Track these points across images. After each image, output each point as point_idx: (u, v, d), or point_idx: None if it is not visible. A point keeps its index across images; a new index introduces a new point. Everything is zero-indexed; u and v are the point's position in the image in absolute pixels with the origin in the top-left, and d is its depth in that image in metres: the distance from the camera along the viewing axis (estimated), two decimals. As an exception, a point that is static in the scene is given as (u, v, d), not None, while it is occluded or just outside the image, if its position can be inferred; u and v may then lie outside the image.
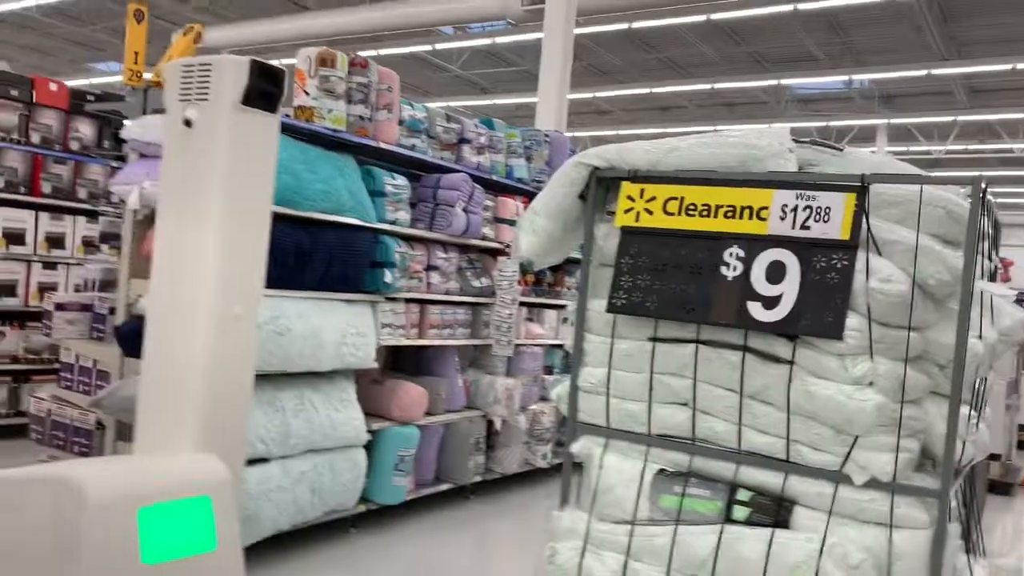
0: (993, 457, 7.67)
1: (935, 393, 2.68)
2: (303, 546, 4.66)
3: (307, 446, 4.49)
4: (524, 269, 6.26)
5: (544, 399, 6.67)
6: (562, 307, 6.93)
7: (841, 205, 2.66)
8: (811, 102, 18.41)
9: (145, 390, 2.59)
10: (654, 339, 2.94)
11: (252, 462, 4.20)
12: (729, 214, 2.82)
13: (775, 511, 2.73)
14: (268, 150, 2.79)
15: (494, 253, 6.12)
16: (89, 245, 6.58)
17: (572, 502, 3.19)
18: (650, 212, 2.95)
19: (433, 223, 5.47)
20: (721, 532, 2.74)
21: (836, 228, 2.65)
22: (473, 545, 5.26)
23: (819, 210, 2.69)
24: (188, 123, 2.60)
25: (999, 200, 27.55)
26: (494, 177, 6.06)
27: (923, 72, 14.32)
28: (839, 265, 2.63)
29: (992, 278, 3.40)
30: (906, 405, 2.59)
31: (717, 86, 16.43)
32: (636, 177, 3.02)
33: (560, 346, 6.97)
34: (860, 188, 2.65)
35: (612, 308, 2.98)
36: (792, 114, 18.46)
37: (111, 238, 4.83)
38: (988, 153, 20.53)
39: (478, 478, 5.97)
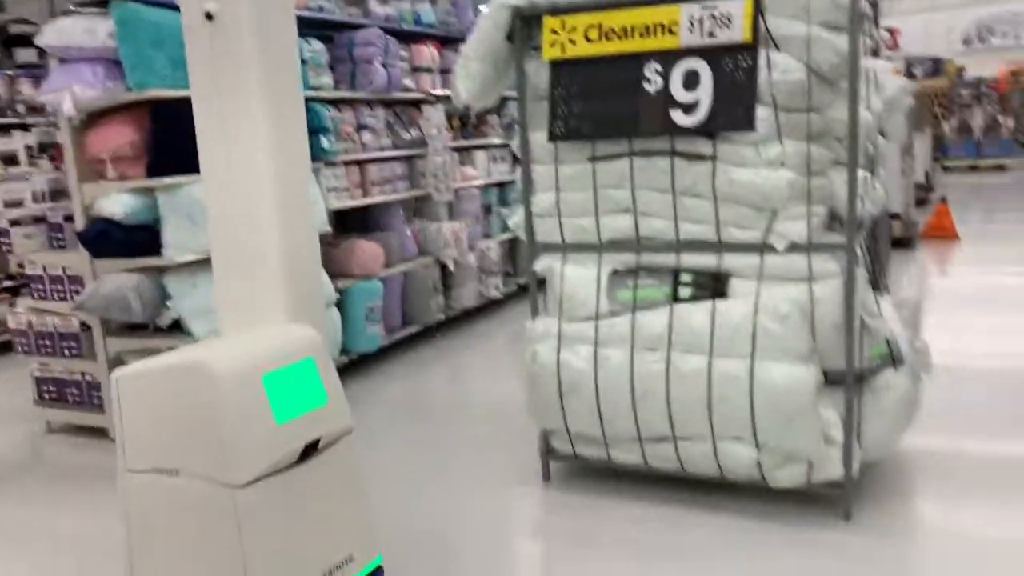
0: (894, 216, 8.45)
1: (837, 163, 3.13)
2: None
3: (284, 312, 4.81)
4: (452, 114, 6.47)
5: (487, 236, 7.07)
6: (491, 147, 7.20)
7: (740, 11, 2.98)
8: None
9: (223, 280, 2.69)
10: (593, 159, 3.30)
11: (239, 335, 4.54)
12: (644, 33, 3.12)
13: (714, 285, 3.21)
14: (290, 30, 2.72)
15: (417, 104, 6.29)
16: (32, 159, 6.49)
17: (542, 312, 3.63)
18: (573, 42, 3.23)
19: (355, 83, 5.60)
20: (672, 311, 3.23)
21: (738, 32, 2.99)
22: (448, 374, 5.77)
23: (721, 17, 3.01)
24: (209, 16, 2.51)
25: (884, -29, 27.94)
26: (403, 26, 6.13)
27: None
28: (744, 65, 2.99)
29: (875, 53, 3.82)
30: (813, 177, 3.04)
31: None
32: (556, 10, 3.27)
33: (495, 184, 7.30)
34: (755, -8, 2.97)
35: (552, 137, 3.31)
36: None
37: (48, 148, 4.86)
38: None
39: (441, 316, 6.43)
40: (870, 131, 3.19)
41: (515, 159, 7.64)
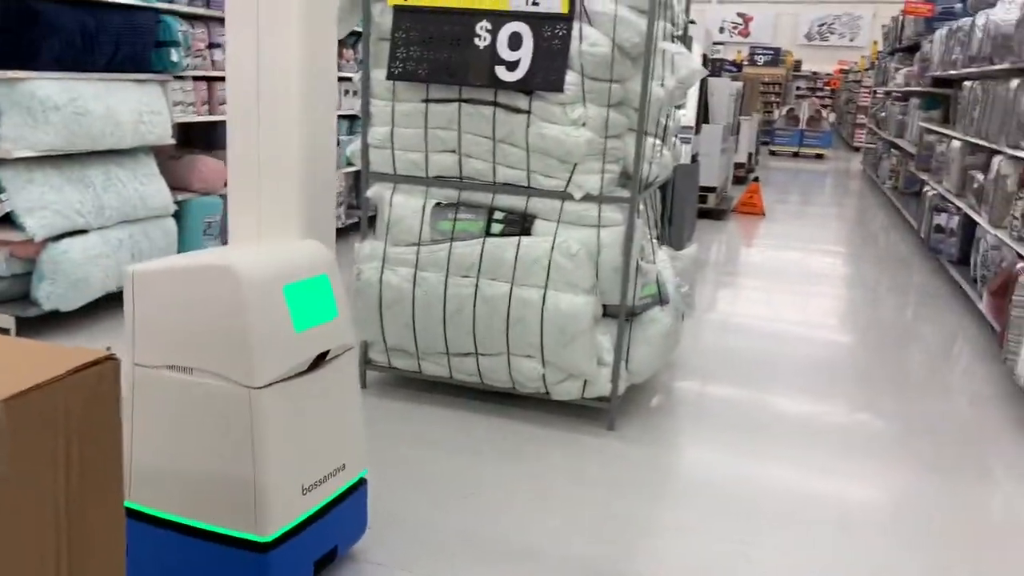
0: (710, 189, 9.32)
1: (631, 129, 3.66)
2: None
3: (120, 217, 4.94)
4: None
5: (333, 165, 7.29)
6: (344, 79, 7.39)
7: (562, -15, 3.42)
8: None
9: (238, 191, 2.63)
10: (427, 100, 3.68)
11: (73, 234, 4.65)
12: (479, -6, 3.51)
13: (521, 224, 3.70)
14: None
15: (272, 28, 6.39)
16: None
17: (369, 235, 4.00)
18: (416, -7, 3.58)
19: (211, 1, 5.67)
20: (484, 243, 3.69)
21: (557, 4, 3.43)
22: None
23: (546, -11, 3.45)
24: None
25: (742, -42, 29.39)
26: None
27: None
28: (560, 33, 3.44)
29: (683, 38, 4.38)
30: (609, 139, 3.56)
31: None
32: (402, -38, 3.59)
33: (346, 116, 7.51)
34: (576, -29, 3.42)
35: (391, 76, 3.66)
36: None
37: None
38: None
39: (280, 239, 6.64)
40: (662, 104, 3.74)
41: (367, 95, 7.87)
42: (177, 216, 5.42)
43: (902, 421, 4.14)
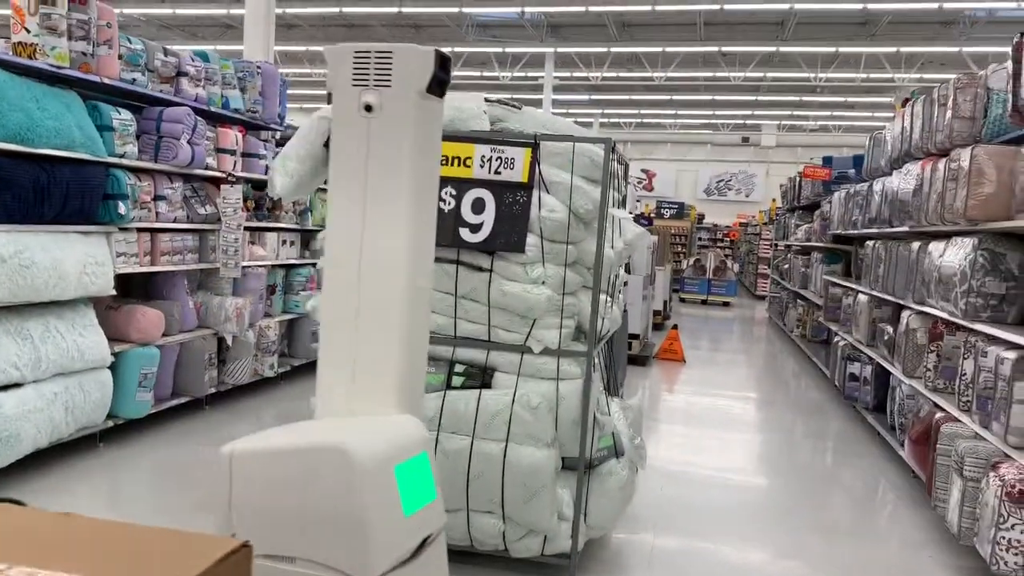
0: (634, 336, 9.65)
1: (585, 287, 3.86)
2: (60, 461, 4.99)
3: (57, 369, 4.79)
4: (247, 196, 6.75)
5: (268, 315, 7.29)
6: (283, 230, 7.51)
7: (521, 156, 3.69)
8: (489, 27, 19.86)
9: (332, 361, 2.57)
10: (389, 258, 3.81)
11: (7, 387, 4.48)
12: (444, 161, 3.73)
13: (481, 377, 3.79)
14: (438, 135, 2.80)
15: (216, 182, 6.52)
16: None
17: (326, 389, 4.00)
18: (382, 159, 3.77)
19: (159, 155, 5.78)
20: (444, 395, 3.74)
21: (519, 173, 3.68)
22: (212, 447, 5.85)
23: (507, 160, 3.70)
24: (369, 108, 2.63)
25: (644, 120, 31.55)
26: (212, 108, 6.41)
27: (582, 8, 16.26)
28: (521, 200, 3.67)
29: (623, 204, 4.70)
30: (566, 296, 3.74)
31: (404, 9, 17.19)
32: (370, 130, 3.80)
33: (282, 266, 7.57)
34: (534, 144, 3.69)
35: (356, 235, 3.79)
36: (473, 39, 19.80)
37: None
38: (635, 81, 23.53)
39: (212, 390, 6.52)
40: (612, 264, 3.97)
41: (304, 243, 7.98)
42: (112, 368, 5.29)
43: (842, 567, 4.25)
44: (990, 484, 3.92)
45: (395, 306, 2.57)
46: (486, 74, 22.83)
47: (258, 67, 7.12)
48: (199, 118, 6.03)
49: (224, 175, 6.43)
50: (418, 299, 2.66)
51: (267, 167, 7.16)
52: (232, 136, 6.56)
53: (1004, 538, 3.73)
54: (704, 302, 19.67)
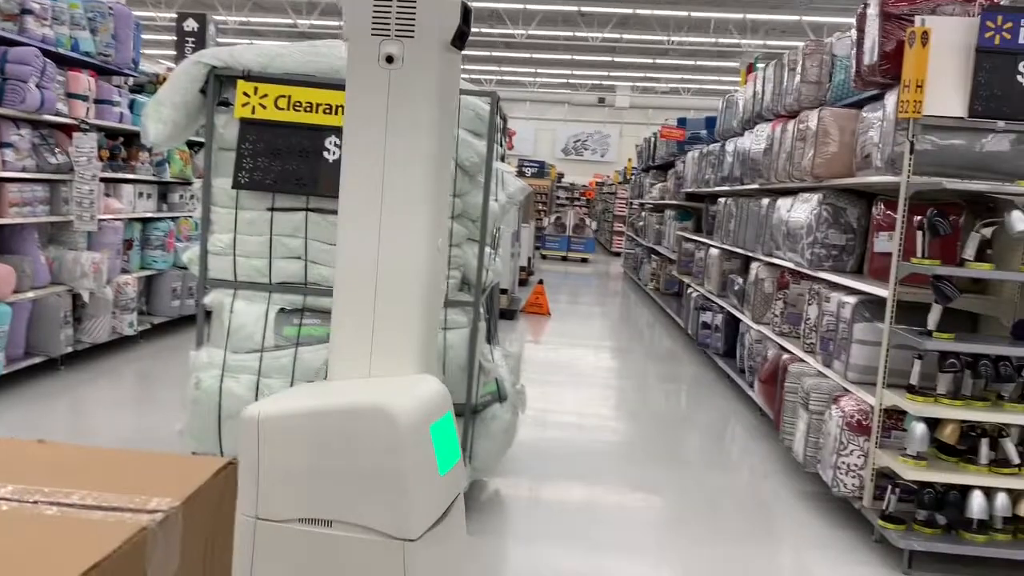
0: (502, 291, 9.85)
1: (470, 239, 3.96)
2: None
3: None
4: (101, 145, 6.38)
5: (126, 271, 6.96)
6: (139, 182, 7.15)
7: (408, 108, 3.71)
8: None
9: (349, 323, 2.44)
10: (272, 209, 3.77)
11: None
12: (327, 111, 3.71)
13: (368, 328, 3.82)
14: (457, 87, 2.67)
15: (68, 129, 6.13)
16: None
17: (205, 343, 3.93)
18: (264, 107, 3.70)
19: (4, 99, 5.37)
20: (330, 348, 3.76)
21: (405, 124, 3.70)
22: (67, 410, 5.60)
23: (392, 110, 3.71)
24: (390, 59, 2.48)
25: (504, 78, 31.69)
26: (61, 51, 6.00)
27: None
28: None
29: (503, 158, 4.81)
30: (452, 247, 3.82)
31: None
32: (250, 76, 3.72)
33: (139, 219, 7.23)
34: (420, 96, 3.72)
35: (237, 185, 3.71)
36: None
37: None
38: (496, 37, 23.55)
39: (69, 349, 6.19)
40: (496, 217, 4.08)
41: (162, 196, 7.64)
42: (-42, 326, 4.94)
43: (698, 496, 4.63)
44: (832, 416, 4.36)
45: (416, 266, 2.49)
46: (343, 24, 22.20)
47: (110, 8, 6.70)
48: (49, 60, 5.63)
49: (76, 122, 6.05)
50: (437, 258, 2.60)
51: (122, 114, 6.79)
52: (84, 81, 6.17)
53: (844, 463, 4.17)
54: (564, 258, 20.21)
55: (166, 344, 7.38)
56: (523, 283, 12.84)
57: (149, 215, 7.41)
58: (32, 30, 5.69)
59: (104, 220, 6.53)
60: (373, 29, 2.54)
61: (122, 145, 6.95)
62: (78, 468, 0.92)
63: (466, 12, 2.59)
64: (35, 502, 0.82)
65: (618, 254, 21.63)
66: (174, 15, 14.53)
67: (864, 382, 4.27)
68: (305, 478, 2.05)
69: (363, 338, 2.45)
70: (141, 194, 7.27)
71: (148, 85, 7.85)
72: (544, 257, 20.25)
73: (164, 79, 7.96)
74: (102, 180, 6.47)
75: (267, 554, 2.05)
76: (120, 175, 6.89)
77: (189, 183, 8.02)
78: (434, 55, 2.53)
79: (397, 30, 2.53)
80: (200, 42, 13.69)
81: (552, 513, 4.22)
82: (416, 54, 2.51)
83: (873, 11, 4.34)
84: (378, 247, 2.51)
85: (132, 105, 7.03)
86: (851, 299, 4.47)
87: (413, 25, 2.52)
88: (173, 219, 7.79)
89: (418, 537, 2.01)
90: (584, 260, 20.33)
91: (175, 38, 13.95)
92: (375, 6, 2.54)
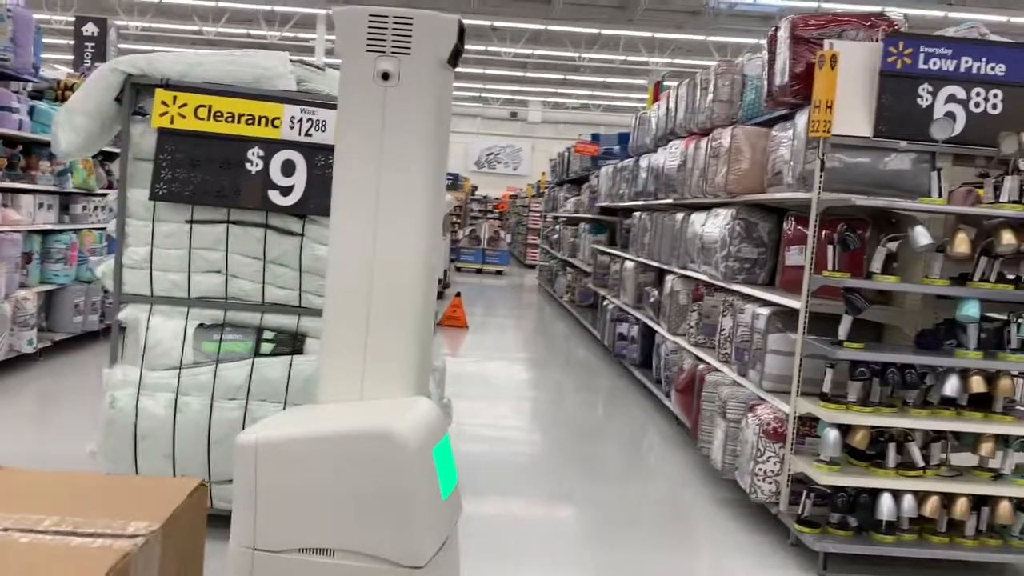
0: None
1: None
2: None
3: None
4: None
5: (24, 286, 6.62)
6: (40, 192, 6.82)
7: (333, 119, 3.66)
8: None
9: (341, 344, 2.32)
10: (192, 221, 3.66)
11: None
12: (250, 121, 3.63)
13: (292, 343, 3.75)
14: (450, 105, 2.66)
15: (-40, 135, 5.81)
16: None
17: (119, 360, 3.78)
18: (183, 116, 3.60)
19: None
20: (253, 363, 3.67)
21: (331, 136, 3.65)
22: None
23: (318, 122, 3.67)
24: (386, 76, 2.46)
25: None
26: (-47, 53, 5.69)
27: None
28: (333, 164, 3.65)
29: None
30: (378, 261, 3.79)
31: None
32: (168, 85, 3.61)
33: (39, 231, 6.89)
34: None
35: (155, 196, 3.59)
36: (239, -5, 18.77)
37: None
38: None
39: (-39, 369, 5.84)
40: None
41: (64, 208, 7.32)
42: None
43: (616, 507, 4.70)
44: (749, 424, 4.49)
45: (410, 286, 2.44)
46: (252, 32, 21.77)
47: (8, 10, 6.38)
48: (-60, 63, 5.33)
49: (-29, 128, 5.74)
50: (431, 277, 2.55)
51: (21, 121, 6.48)
52: (-20, 85, 5.85)
53: (761, 469, 4.30)
54: (479, 271, 20.24)
55: (68, 362, 7.05)
56: (439, 295, 12.80)
57: (50, 227, 7.07)
58: (-77, 31, 5.37)
59: (1, 232, 6.20)
60: (368, 45, 2.53)
61: (21, 154, 6.62)
62: (43, 493, 0.87)
63: (461, 31, 2.60)
64: (5, 530, 0.78)
65: (533, 266, 21.80)
66: (72, 18, 13.97)
67: (779, 391, 4.42)
68: (306, 506, 1.98)
69: (355, 360, 2.38)
70: (41, 205, 6.93)
71: (48, 91, 7.51)
72: (459, 270, 20.24)
73: (65, 85, 7.64)
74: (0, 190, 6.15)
75: None
76: (19, 184, 6.56)
77: (93, 194, 7.70)
78: (431, 72, 2.53)
79: (393, 47, 2.53)
80: (100, 47, 13.21)
81: (471, 526, 4.21)
82: (413, 71, 2.51)
83: (784, 34, 4.53)
84: (372, 265, 2.46)
85: (32, 112, 6.71)
86: (765, 310, 4.63)
87: (410, 42, 2.52)
88: (76, 231, 7.45)
89: (425, 564, 1.97)
90: (499, 272, 20.40)
91: (73, 42, 13.43)
92: (371, 23, 2.53)
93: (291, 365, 3.67)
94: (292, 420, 2.20)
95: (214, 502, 3.73)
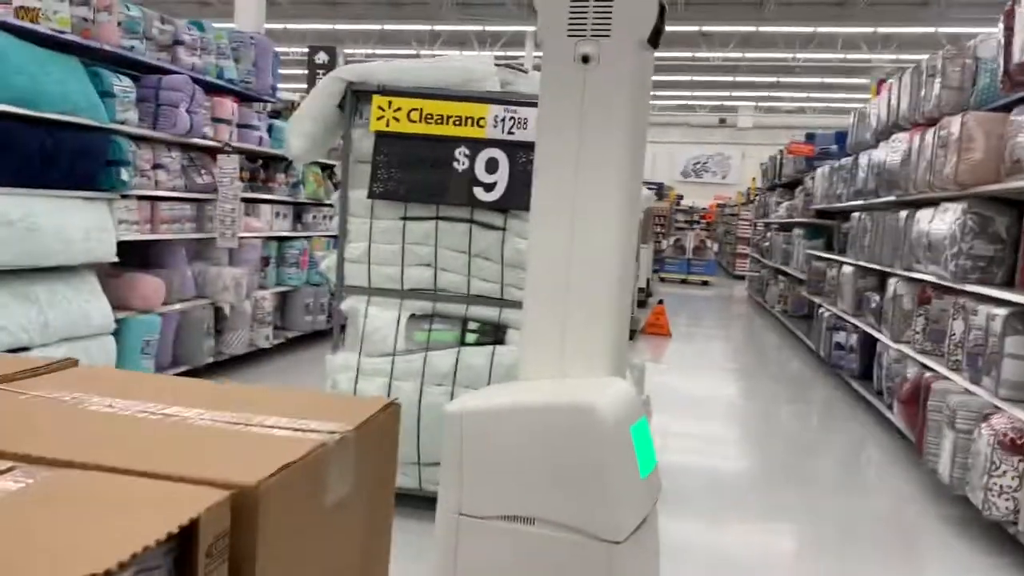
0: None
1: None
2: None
3: (63, 334, 4.81)
4: (243, 167, 6.76)
5: (263, 287, 7.32)
6: (276, 202, 7.53)
7: (534, 117, 3.75)
8: (469, 5, 19.81)
9: (541, 324, 2.42)
10: (405, 218, 3.88)
11: (15, 351, 4.49)
12: (457, 122, 3.80)
13: (495, 334, 3.87)
14: (650, 86, 2.67)
15: (212, 151, 6.53)
16: None
17: (340, 347, 4.07)
18: (397, 119, 3.84)
19: (157, 123, 5.78)
20: (459, 352, 3.83)
21: (532, 133, 3.74)
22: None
23: (520, 120, 3.77)
24: (586, 59, 2.47)
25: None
26: (207, 78, 6.41)
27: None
28: (533, 160, 3.74)
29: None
30: (578, 254, 3.83)
31: (385, -13, 17.11)
32: (384, 91, 3.86)
33: (275, 238, 7.60)
34: (547, 104, 3.76)
35: (372, 195, 3.85)
36: (453, 16, 19.75)
37: None
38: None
39: (210, 359, 6.54)
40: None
41: (297, 217, 8.01)
42: (115, 334, 5.31)
43: (836, 521, 4.41)
44: (982, 434, 4.08)
45: (609, 267, 2.41)
46: (466, 53, 22.79)
47: (251, 38, 7.12)
48: (197, 87, 6.03)
49: (221, 145, 6.44)
50: (630, 260, 2.52)
51: (261, 138, 7.18)
52: (228, 106, 6.56)
53: (996, 484, 3.89)
54: (684, 281, 19.88)
55: (300, 356, 7.69)
56: (641, 304, 12.69)
57: (285, 234, 7.77)
58: (183, 59, 6.10)
59: (244, 238, 6.89)
60: (569, 30, 2.50)
61: (261, 167, 7.34)
62: (252, 400, 0.97)
63: (662, 10, 2.52)
64: (221, 422, 0.87)
65: (742, 277, 21.10)
66: (306, 49, 15.30)
67: (1017, 399, 3.98)
68: (508, 475, 2.02)
69: (555, 340, 2.39)
70: (278, 214, 7.64)
71: (284, 112, 8.28)
72: (663, 280, 19.98)
73: (298, 105, 8.37)
74: (243, 200, 6.85)
75: (470, 551, 2.06)
76: (259, 195, 7.27)
77: (322, 204, 8.37)
78: (630, 54, 2.47)
79: (594, 29, 2.49)
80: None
81: (685, 539, 4.12)
82: (612, 53, 2.46)
83: (1023, 7, 4.11)
84: (572, 247, 2.43)
85: (270, 129, 7.42)
86: (1002, 311, 4.19)
87: (610, 24, 2.47)
88: (307, 238, 8.14)
89: (624, 540, 1.96)
90: (705, 283, 19.93)
91: (307, 71, 14.73)
92: (571, 6, 2.50)
93: (493, 354, 3.79)
94: (497, 393, 2.24)
95: (423, 484, 3.93)
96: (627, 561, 1.99)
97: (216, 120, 6.45)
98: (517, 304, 3.82)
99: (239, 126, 6.83)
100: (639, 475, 2.08)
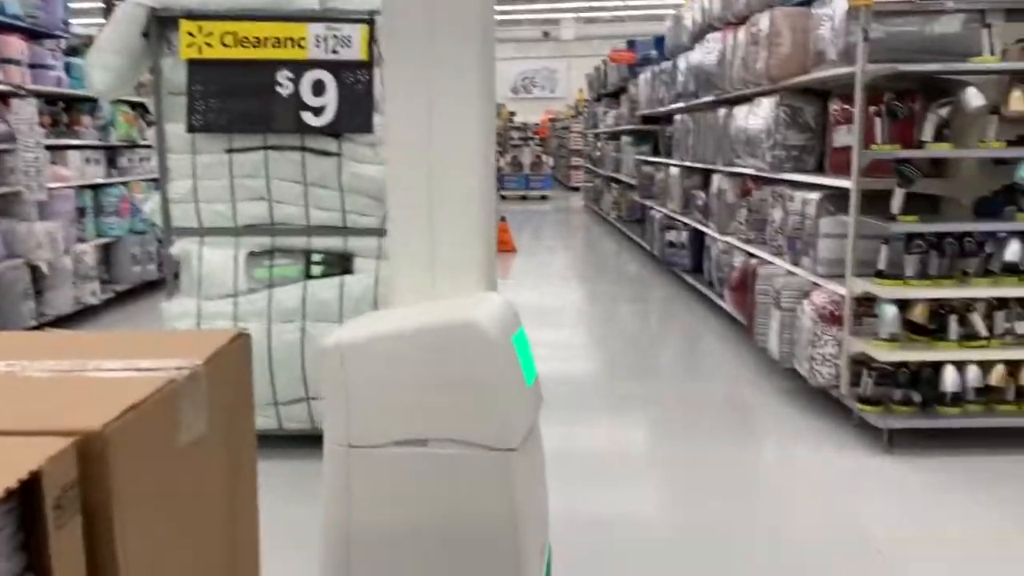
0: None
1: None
2: None
3: None
4: (42, 110, 6.17)
5: (82, 240, 6.81)
6: (86, 147, 6.95)
7: (358, 34, 3.63)
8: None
9: (408, 249, 2.33)
10: (230, 150, 3.69)
11: None
12: (276, 44, 3.61)
13: (341, 264, 3.80)
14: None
15: (3, 97, 5.91)
16: None
17: (175, 293, 3.88)
18: (210, 45, 3.60)
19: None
20: (305, 286, 3.73)
21: (357, 51, 3.63)
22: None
23: (343, 38, 3.63)
24: None
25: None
26: (-15, 14, 5.76)
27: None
28: (362, 79, 3.63)
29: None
30: (417, 174, 3.78)
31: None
32: (192, 15, 3.60)
33: (89, 186, 7.04)
34: (369, 21, 3.64)
35: (191, 129, 3.62)
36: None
37: None
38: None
39: (33, 322, 6.07)
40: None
41: (111, 162, 7.45)
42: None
43: (687, 399, 4.72)
44: (805, 311, 4.44)
45: (470, 182, 2.34)
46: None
47: (31, -34, 6.41)
48: (-26, 24, 5.41)
49: (13, 88, 5.83)
50: (490, 172, 2.44)
51: (59, 78, 6.56)
52: (16, 44, 5.93)
53: (819, 354, 4.26)
54: (523, 198, 20.14)
55: (133, 310, 7.27)
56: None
57: (99, 181, 7.21)
58: (-47, -6, 5.44)
59: (53, 188, 6.35)
60: None
61: (63, 111, 6.73)
62: (88, 345, 0.91)
63: None
64: (56, 371, 0.81)
65: (577, 189, 21.61)
66: (98, -23, 13.98)
67: (833, 275, 4.34)
68: (396, 401, 2.02)
69: (425, 262, 2.37)
70: (89, 160, 7.07)
71: (82, 48, 7.57)
72: (503, 198, 20.15)
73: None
74: (47, 148, 6.27)
75: (364, 481, 2.06)
76: (64, 141, 6.68)
77: (137, 145, 7.81)
78: None
79: None
80: None
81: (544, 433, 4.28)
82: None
83: (817, -97, 4.31)
84: (431, 169, 2.36)
85: (68, 68, 6.79)
86: (815, 195, 4.52)
87: None
88: (125, 183, 7.59)
89: (518, 446, 2.02)
90: (543, 197, 20.28)
91: (103, 1, 13.49)
92: None
93: (342, 285, 3.72)
94: (373, 322, 2.21)
95: (283, 423, 3.85)
96: (523, 467, 2.06)
97: (3, 61, 5.83)
98: (362, 232, 3.76)
99: (31, 66, 6.20)
100: (525, 383, 2.13)
